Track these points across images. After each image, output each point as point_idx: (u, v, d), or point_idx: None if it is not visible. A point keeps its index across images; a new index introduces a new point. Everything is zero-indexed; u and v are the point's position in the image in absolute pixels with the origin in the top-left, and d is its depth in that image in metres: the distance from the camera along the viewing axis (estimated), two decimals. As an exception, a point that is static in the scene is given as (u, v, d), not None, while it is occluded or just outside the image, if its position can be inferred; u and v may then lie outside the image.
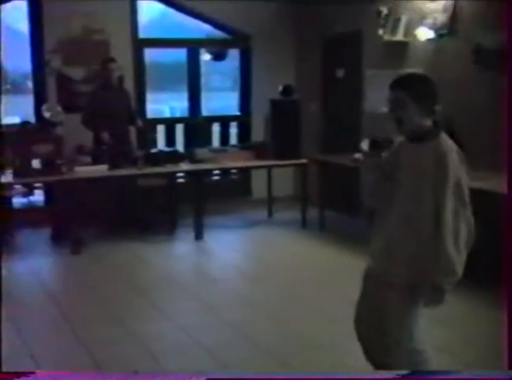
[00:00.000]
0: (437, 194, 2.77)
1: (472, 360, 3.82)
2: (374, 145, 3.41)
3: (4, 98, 7.01)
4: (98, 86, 6.97)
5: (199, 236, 6.77)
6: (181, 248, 6.75)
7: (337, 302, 4.80)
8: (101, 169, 6.37)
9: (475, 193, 4.88)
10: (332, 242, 6.56)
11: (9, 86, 9.06)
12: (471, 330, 4.33)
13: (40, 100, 7.25)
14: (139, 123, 7.00)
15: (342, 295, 4.76)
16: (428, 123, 2.86)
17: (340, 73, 7.76)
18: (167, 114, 13.68)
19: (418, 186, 2.82)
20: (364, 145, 6.21)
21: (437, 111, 2.86)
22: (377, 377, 2.56)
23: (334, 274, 5.59)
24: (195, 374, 2.63)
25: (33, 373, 2.32)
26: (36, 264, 6.00)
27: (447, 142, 2.85)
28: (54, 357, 3.95)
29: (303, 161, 7.17)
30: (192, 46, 8.35)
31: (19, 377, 2.26)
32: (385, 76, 7.06)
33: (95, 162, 6.53)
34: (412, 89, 2.84)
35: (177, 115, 13.12)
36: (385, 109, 7.15)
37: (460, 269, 2.77)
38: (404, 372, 2.67)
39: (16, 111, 8.80)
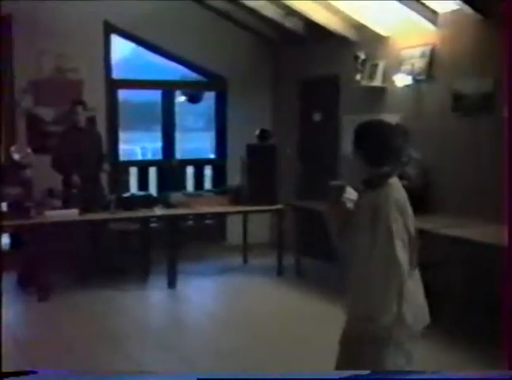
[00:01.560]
0: (373, 243, 2.85)
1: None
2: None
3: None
4: (67, 128, 7.07)
5: (172, 284, 6.80)
6: (155, 296, 6.77)
7: (313, 352, 4.85)
8: (72, 213, 6.42)
9: (455, 241, 5.10)
10: (308, 289, 6.64)
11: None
12: None
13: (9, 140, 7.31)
14: (106, 167, 7.07)
15: (318, 344, 4.84)
16: (378, 171, 2.94)
17: (317, 117, 7.95)
18: (139, 155, 13.77)
19: (364, 233, 2.89)
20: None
21: (391, 160, 2.94)
22: (378, 377, 2.59)
23: (309, 322, 5.66)
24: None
25: (35, 372, 2.32)
26: (3, 311, 5.96)
27: (389, 192, 2.92)
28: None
29: (279, 206, 7.28)
30: (167, 88, 8.50)
31: (19, 376, 2.27)
32: (361, 121, 7.33)
33: (65, 206, 6.58)
34: (357, 139, 2.97)
35: (149, 156, 13.24)
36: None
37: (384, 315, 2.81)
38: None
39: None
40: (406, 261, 2.84)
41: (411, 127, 6.14)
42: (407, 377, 2.66)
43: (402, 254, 2.82)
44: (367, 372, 2.64)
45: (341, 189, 3.18)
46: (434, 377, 2.54)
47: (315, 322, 5.64)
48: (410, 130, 6.24)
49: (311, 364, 4.63)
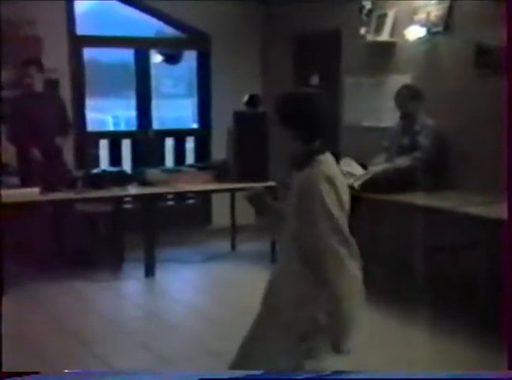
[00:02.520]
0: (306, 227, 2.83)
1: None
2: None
3: None
4: (21, 93, 6.93)
5: (150, 272, 6.77)
6: (130, 287, 6.75)
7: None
8: (32, 193, 6.33)
9: (477, 220, 5.06)
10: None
11: None
12: None
13: None
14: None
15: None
16: (307, 148, 2.89)
17: (315, 79, 7.87)
18: (110, 125, 13.65)
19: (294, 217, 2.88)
20: (345, 165, 6.33)
21: (321, 134, 2.91)
22: (380, 376, 2.66)
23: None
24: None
25: (37, 373, 2.48)
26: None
27: (318, 170, 2.86)
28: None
29: (271, 183, 7.21)
30: (141, 46, 8.39)
31: (21, 376, 2.40)
32: (368, 84, 7.28)
33: (24, 184, 6.49)
34: (281, 113, 2.93)
35: (122, 126, 13.13)
36: (366, 122, 7.31)
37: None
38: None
39: None
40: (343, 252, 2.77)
41: (425, 88, 6.07)
42: (407, 376, 2.74)
43: (335, 244, 2.76)
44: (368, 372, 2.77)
45: (262, 196, 3.18)
46: (434, 377, 2.64)
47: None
48: (424, 92, 6.18)
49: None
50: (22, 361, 4.76)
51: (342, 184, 2.87)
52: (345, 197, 2.85)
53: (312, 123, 2.89)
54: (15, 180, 6.54)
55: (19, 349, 5.02)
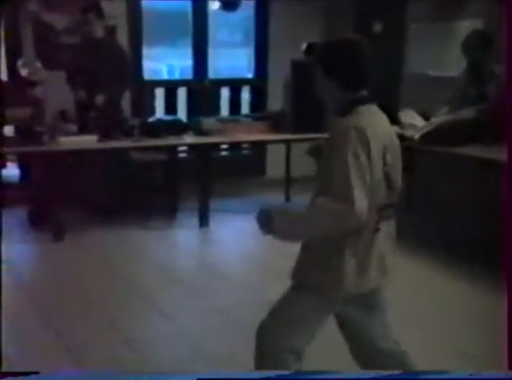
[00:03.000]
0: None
1: None
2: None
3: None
4: (81, 40, 6.90)
5: (204, 222, 6.76)
6: (184, 236, 6.74)
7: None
8: (90, 140, 6.32)
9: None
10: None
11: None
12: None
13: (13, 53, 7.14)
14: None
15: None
16: (348, 98, 2.82)
17: (378, 27, 7.69)
18: (164, 74, 13.60)
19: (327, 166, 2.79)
20: (405, 116, 6.17)
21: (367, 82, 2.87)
22: (378, 376, 2.67)
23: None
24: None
25: (37, 373, 2.39)
26: (11, 251, 5.96)
27: (353, 120, 2.78)
28: (32, 361, 3.94)
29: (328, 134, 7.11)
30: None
31: (21, 376, 2.35)
32: (434, 31, 7.04)
33: (82, 132, 6.48)
34: (323, 58, 2.87)
35: (176, 75, 13.05)
36: (432, 72, 7.07)
37: None
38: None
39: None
40: (365, 211, 2.66)
41: (496, 34, 5.80)
42: (407, 377, 2.76)
43: (361, 200, 2.65)
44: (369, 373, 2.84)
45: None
46: (434, 377, 2.63)
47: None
48: (495, 38, 5.93)
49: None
50: (78, 305, 4.83)
51: (376, 135, 2.74)
52: (377, 148, 2.72)
53: (353, 72, 2.84)
54: (73, 127, 6.52)
55: (74, 293, 5.08)
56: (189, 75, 8.68)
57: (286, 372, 2.83)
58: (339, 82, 2.81)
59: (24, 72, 6.43)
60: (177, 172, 7.22)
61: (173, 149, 7.11)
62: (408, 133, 6.05)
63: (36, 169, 6.77)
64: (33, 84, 6.40)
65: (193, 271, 5.83)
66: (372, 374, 2.75)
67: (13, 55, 7.03)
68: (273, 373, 2.77)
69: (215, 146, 7.57)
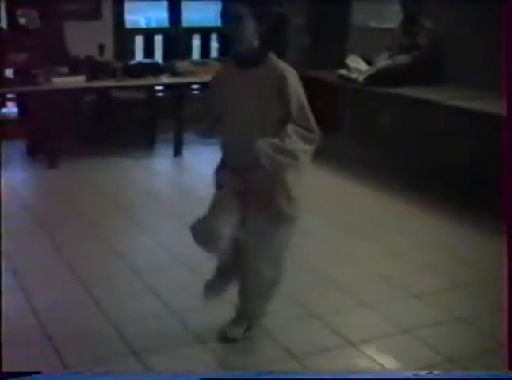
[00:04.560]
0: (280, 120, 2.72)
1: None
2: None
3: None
4: None
5: (178, 152, 6.79)
6: (161, 164, 6.77)
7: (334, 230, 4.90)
8: (79, 80, 6.27)
9: (461, 112, 5.00)
10: (317, 163, 6.54)
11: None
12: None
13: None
14: None
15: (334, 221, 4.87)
16: (256, 42, 2.69)
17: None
18: (143, 25, 13.36)
19: (258, 115, 2.73)
20: (351, 61, 6.21)
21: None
22: (377, 376, 2.64)
23: (322, 196, 5.57)
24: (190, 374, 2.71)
25: (39, 373, 2.32)
26: (11, 177, 5.97)
27: (282, 64, 2.76)
28: (36, 272, 4.01)
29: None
30: None
31: (21, 376, 2.25)
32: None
33: (72, 73, 6.41)
34: None
35: (153, 25, 12.83)
36: (373, 24, 7.07)
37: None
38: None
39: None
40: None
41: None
42: (408, 376, 2.68)
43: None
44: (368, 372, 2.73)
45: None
46: (434, 377, 2.58)
47: (334, 200, 5.62)
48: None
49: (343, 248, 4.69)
50: (71, 221, 4.89)
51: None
52: None
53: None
54: (65, 69, 6.43)
55: (68, 210, 5.13)
56: (164, 24, 8.56)
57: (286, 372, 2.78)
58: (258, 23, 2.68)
59: (22, 21, 6.30)
60: (154, 109, 7.19)
61: (151, 88, 7.05)
62: (353, 75, 6.13)
63: (33, 107, 6.70)
64: (31, 32, 6.28)
65: (169, 194, 5.90)
66: (372, 374, 2.70)
67: (12, 5, 6.87)
68: (273, 373, 2.73)
69: (188, 86, 7.51)
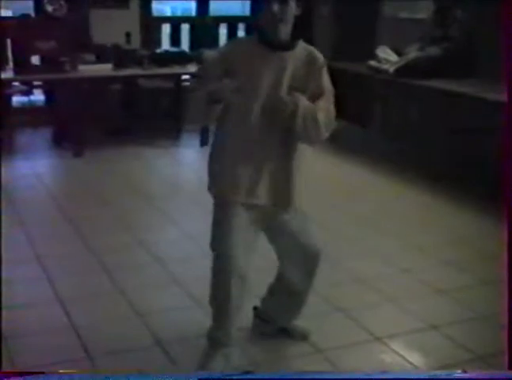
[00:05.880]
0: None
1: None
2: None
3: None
4: None
5: (204, 142, 6.78)
6: (186, 154, 6.78)
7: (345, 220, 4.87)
8: (106, 68, 6.29)
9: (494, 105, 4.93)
10: (344, 155, 6.52)
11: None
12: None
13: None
14: None
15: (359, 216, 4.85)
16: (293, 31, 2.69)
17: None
18: (169, 14, 13.35)
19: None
20: (381, 52, 6.14)
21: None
22: (380, 377, 2.62)
23: (347, 190, 5.56)
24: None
25: (40, 373, 2.25)
26: (38, 165, 6.02)
27: (311, 48, 2.76)
28: (61, 261, 4.03)
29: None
30: None
31: (21, 376, 2.20)
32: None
33: (99, 61, 6.43)
34: None
35: (179, 14, 12.82)
36: (404, 14, 6.98)
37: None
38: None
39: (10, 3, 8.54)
40: None
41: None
42: (407, 376, 2.66)
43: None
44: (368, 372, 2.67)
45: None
46: (435, 377, 2.52)
47: (353, 190, 5.62)
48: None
49: (346, 231, 4.66)
50: (96, 211, 4.91)
51: None
52: None
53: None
54: (91, 56, 6.46)
55: (93, 200, 5.15)
56: (191, 14, 8.53)
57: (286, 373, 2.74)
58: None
59: (49, 8, 6.33)
60: (181, 99, 7.19)
61: (178, 77, 7.06)
62: (383, 67, 6.06)
63: (60, 95, 6.74)
64: (57, 19, 6.30)
65: (195, 184, 5.88)
66: (372, 374, 2.63)
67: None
68: (273, 373, 2.69)
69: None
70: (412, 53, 6.00)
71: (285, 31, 2.65)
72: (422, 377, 2.62)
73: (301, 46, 2.73)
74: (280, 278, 3.04)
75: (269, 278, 3.10)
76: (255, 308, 3.19)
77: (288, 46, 2.68)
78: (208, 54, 2.87)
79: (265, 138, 2.70)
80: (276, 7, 2.56)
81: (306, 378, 2.56)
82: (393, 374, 2.74)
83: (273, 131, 2.70)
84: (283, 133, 2.71)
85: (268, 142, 2.71)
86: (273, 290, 3.10)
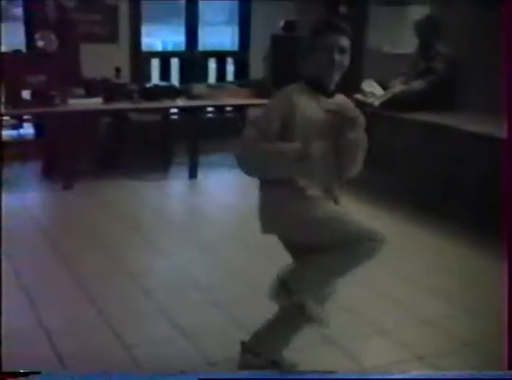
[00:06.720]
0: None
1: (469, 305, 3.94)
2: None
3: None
4: None
5: (193, 174, 6.82)
6: (175, 186, 6.81)
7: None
8: (96, 102, 6.36)
9: (477, 136, 5.00)
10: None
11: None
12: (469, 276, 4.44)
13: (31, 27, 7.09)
14: None
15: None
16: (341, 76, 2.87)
17: (343, 8, 7.65)
18: (159, 48, 13.51)
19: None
20: (367, 86, 6.24)
21: None
22: (380, 377, 2.62)
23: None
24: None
25: (38, 373, 2.29)
26: (27, 198, 6.04)
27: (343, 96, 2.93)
28: (48, 292, 4.03)
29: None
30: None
31: (21, 376, 2.24)
32: (391, 14, 7.04)
33: (89, 95, 6.50)
34: (349, 32, 2.81)
35: (169, 49, 12.98)
36: (387, 48, 7.10)
37: None
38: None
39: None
40: None
41: (441, 17, 5.88)
42: (407, 376, 2.71)
43: None
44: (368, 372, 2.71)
45: None
46: (435, 377, 2.58)
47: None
48: (441, 21, 6.00)
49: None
50: (85, 242, 4.91)
51: None
52: None
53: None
54: (82, 91, 6.52)
55: (82, 232, 5.16)
56: (181, 48, 8.65)
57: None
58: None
59: (40, 43, 6.41)
60: (170, 132, 7.25)
61: (167, 111, 7.13)
62: (369, 100, 6.16)
63: (49, 128, 6.79)
64: (49, 54, 6.38)
65: (183, 216, 5.93)
66: (372, 374, 2.68)
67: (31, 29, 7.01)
68: (273, 374, 2.69)
69: (204, 109, 7.58)
70: (397, 87, 6.11)
71: (336, 79, 2.82)
72: (423, 377, 2.65)
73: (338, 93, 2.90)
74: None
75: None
76: (243, 343, 3.15)
77: (333, 93, 2.87)
78: (268, 103, 2.94)
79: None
80: (337, 56, 2.74)
81: (306, 378, 2.61)
82: (393, 374, 2.73)
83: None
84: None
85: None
86: (275, 323, 3.06)
